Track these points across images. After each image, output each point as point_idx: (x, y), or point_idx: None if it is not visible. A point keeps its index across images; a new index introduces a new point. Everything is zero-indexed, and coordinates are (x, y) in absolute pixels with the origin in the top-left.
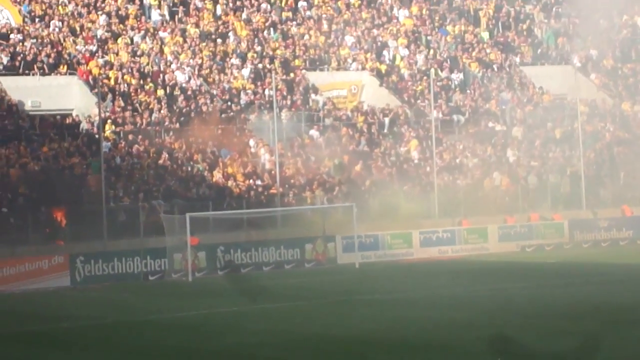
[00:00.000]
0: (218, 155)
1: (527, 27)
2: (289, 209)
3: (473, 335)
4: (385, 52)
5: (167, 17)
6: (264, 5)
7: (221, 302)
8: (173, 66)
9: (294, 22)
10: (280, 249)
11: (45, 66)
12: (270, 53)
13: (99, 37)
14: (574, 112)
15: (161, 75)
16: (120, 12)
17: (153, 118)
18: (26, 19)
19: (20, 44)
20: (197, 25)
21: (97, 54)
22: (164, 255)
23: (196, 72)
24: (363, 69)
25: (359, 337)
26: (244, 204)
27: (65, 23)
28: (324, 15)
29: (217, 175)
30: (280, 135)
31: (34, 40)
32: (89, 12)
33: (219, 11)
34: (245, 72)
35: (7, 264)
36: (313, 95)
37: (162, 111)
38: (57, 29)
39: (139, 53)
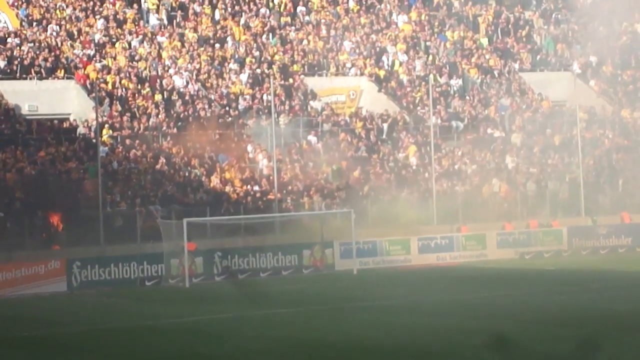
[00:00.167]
0: (216, 161)
1: (526, 33)
2: (287, 214)
3: (471, 342)
4: (384, 58)
5: (165, 22)
6: (262, 10)
7: (218, 308)
8: (171, 71)
9: (293, 27)
10: (277, 254)
11: (42, 70)
12: (269, 58)
13: (96, 41)
14: (573, 118)
15: (159, 80)
16: (118, 17)
17: (150, 123)
18: (24, 23)
19: (18, 47)
20: (195, 30)
21: (94, 59)
22: (161, 260)
23: (194, 76)
24: (362, 74)
25: (357, 344)
26: (242, 210)
27: (63, 27)
28: (322, 21)
29: (215, 181)
30: (279, 140)
31: (32, 44)
32: (86, 17)
33: (217, 16)
34: (244, 77)
35: (4, 269)
36: (312, 102)
37: (159, 116)
38: (54, 33)
39: (136, 57)
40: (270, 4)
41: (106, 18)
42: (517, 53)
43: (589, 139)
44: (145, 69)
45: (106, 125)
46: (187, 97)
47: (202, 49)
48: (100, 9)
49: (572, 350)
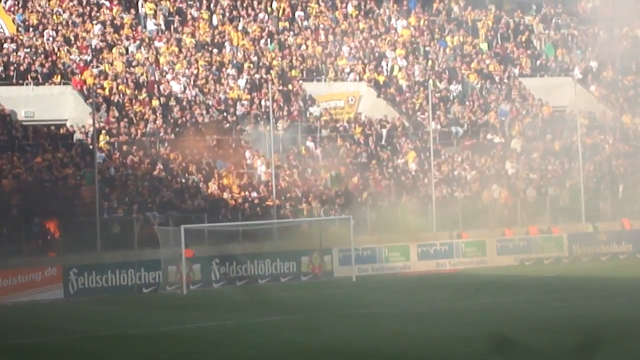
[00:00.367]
0: (213, 167)
1: (526, 38)
2: (285, 221)
3: (471, 349)
4: (383, 63)
5: (163, 27)
6: (260, 15)
7: (216, 315)
8: (168, 76)
9: (291, 32)
10: (276, 261)
11: (39, 76)
12: (267, 63)
13: (93, 46)
14: (573, 124)
15: (156, 86)
16: (115, 22)
17: (148, 129)
18: (20, 28)
19: (14, 53)
20: (192, 35)
21: (91, 64)
22: (158, 267)
23: (192, 82)
24: (360, 79)
25: (356, 351)
26: (240, 216)
27: (60, 32)
28: (321, 26)
29: (213, 187)
30: (277, 146)
31: (28, 50)
32: (83, 22)
33: (215, 21)
34: (242, 82)
35: (0, 276)
36: (310, 108)
37: (157, 122)
38: (51, 39)
39: (134, 63)
40: (269, 9)
41: (103, 23)
42: (517, 58)
43: (590, 144)
44: (142, 74)
45: (103, 131)
46: (184, 103)
47: (199, 54)
48: (97, 14)
49: (572, 352)
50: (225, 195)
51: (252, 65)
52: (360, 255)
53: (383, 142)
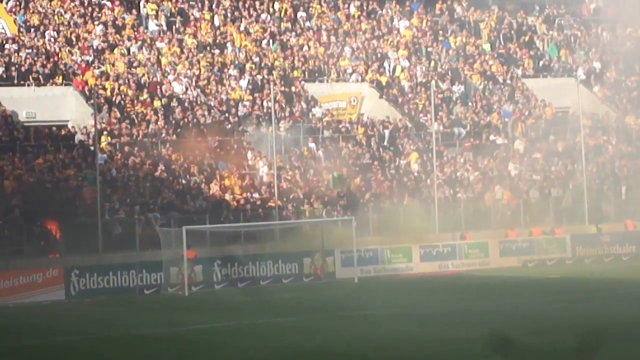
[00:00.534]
0: (215, 168)
1: (529, 39)
2: (287, 222)
3: (473, 351)
4: (385, 64)
5: (165, 28)
6: (262, 16)
7: (217, 317)
8: (170, 77)
9: (293, 33)
10: (278, 263)
11: (40, 76)
12: (269, 64)
13: (95, 47)
14: (576, 125)
15: (158, 86)
16: (117, 22)
17: (149, 129)
18: (21, 29)
19: (15, 54)
20: (194, 35)
21: (93, 65)
22: (160, 269)
23: (193, 83)
24: (363, 80)
25: (358, 353)
26: (242, 217)
27: (61, 33)
28: (323, 26)
29: (215, 188)
30: (279, 147)
31: (29, 51)
32: (85, 22)
33: (217, 21)
34: (244, 83)
35: (1, 277)
36: (312, 109)
37: (158, 122)
38: (52, 39)
39: (135, 64)
40: (271, 10)
41: (105, 24)
42: (520, 59)
43: (593, 145)
44: (144, 75)
45: (105, 132)
46: (186, 104)
47: (201, 54)
48: (99, 15)
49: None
50: (227, 196)
51: (254, 66)
52: (363, 256)
53: (385, 143)
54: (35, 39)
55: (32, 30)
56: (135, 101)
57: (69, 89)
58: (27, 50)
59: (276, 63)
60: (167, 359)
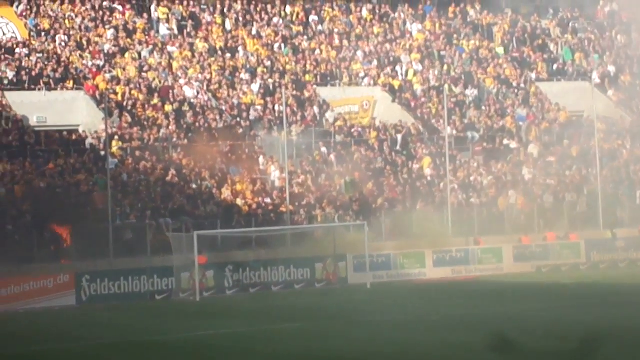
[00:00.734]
0: (227, 172)
1: (543, 42)
2: (299, 227)
3: (487, 358)
4: (398, 68)
5: (176, 32)
6: (274, 20)
7: (230, 323)
8: (181, 81)
9: (305, 37)
10: (290, 268)
11: (51, 81)
12: (281, 68)
13: (106, 51)
14: (591, 129)
15: (169, 91)
16: (128, 27)
17: (161, 134)
18: (32, 33)
19: (26, 58)
20: (206, 39)
21: (104, 69)
22: (171, 274)
23: (205, 87)
24: (375, 84)
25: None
26: (253, 222)
27: (72, 37)
28: (335, 30)
29: (226, 193)
30: (290, 152)
31: (40, 55)
32: (96, 27)
33: (228, 25)
34: (255, 87)
35: (12, 283)
36: (325, 113)
37: (170, 127)
38: (63, 44)
39: (146, 68)
40: (283, 13)
41: (116, 28)
42: (533, 63)
43: (607, 150)
44: (155, 79)
45: (116, 137)
46: (197, 108)
47: (212, 59)
48: (110, 19)
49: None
50: (239, 201)
51: (265, 70)
52: (375, 262)
53: (398, 148)
54: (46, 44)
55: (43, 34)
56: (147, 105)
57: (80, 94)
58: (38, 55)
59: (288, 67)
60: None
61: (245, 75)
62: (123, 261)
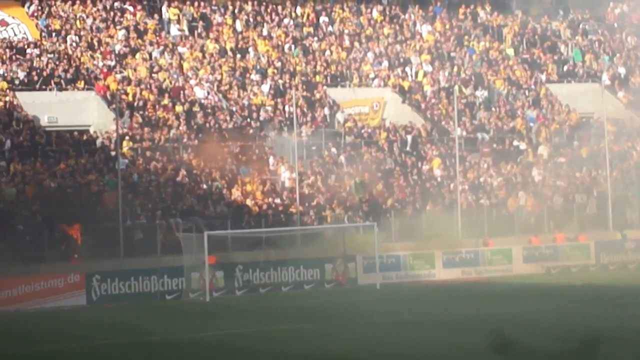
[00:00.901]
0: (237, 173)
1: (553, 44)
2: (309, 228)
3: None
4: (408, 69)
5: (187, 32)
6: (285, 21)
7: (239, 323)
8: (192, 82)
9: (315, 38)
10: (299, 268)
11: (62, 81)
12: (291, 69)
13: (117, 52)
14: (600, 131)
15: (180, 91)
16: (139, 27)
17: (171, 134)
18: (43, 34)
19: (37, 58)
20: (216, 40)
21: (115, 69)
22: (181, 274)
23: (215, 88)
24: (385, 85)
25: None
26: (263, 223)
27: (83, 38)
28: (345, 31)
29: (236, 193)
30: (300, 152)
31: (51, 55)
32: (107, 27)
33: (238, 26)
34: (265, 88)
35: (23, 282)
36: (335, 114)
37: (180, 127)
38: (74, 44)
39: (157, 69)
40: (293, 15)
41: (127, 29)
42: (543, 64)
43: (617, 151)
44: (166, 80)
45: (126, 137)
46: (208, 109)
47: (223, 59)
48: (121, 20)
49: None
50: (249, 201)
51: (276, 71)
52: (385, 262)
53: (408, 149)
54: (57, 44)
55: (54, 35)
56: (157, 106)
57: (90, 94)
58: (49, 55)
59: (298, 68)
60: None
61: (255, 76)
62: (133, 261)
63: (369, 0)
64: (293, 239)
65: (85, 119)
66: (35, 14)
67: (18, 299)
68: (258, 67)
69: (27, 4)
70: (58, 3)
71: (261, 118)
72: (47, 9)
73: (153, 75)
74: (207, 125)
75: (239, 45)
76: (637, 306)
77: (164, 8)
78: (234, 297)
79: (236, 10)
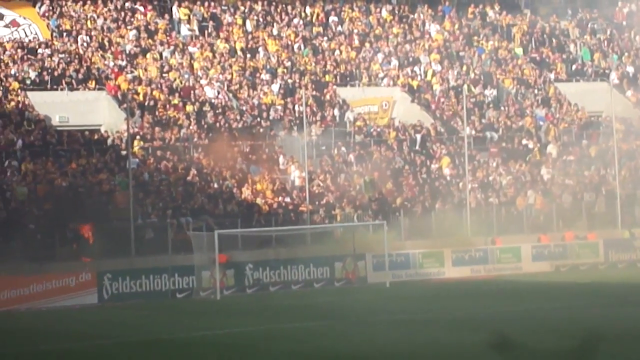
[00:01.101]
0: (247, 172)
1: (562, 43)
2: (319, 226)
3: (505, 357)
4: (417, 68)
5: (197, 32)
6: (295, 21)
7: (250, 321)
8: (202, 82)
9: (325, 38)
10: (309, 267)
11: (73, 81)
12: (301, 68)
13: (127, 52)
14: (609, 130)
15: (190, 91)
16: (149, 27)
17: (182, 134)
18: (54, 34)
19: (49, 58)
20: (226, 40)
21: (125, 69)
22: (192, 272)
23: (225, 87)
24: (394, 84)
25: (390, 358)
26: (273, 222)
27: (94, 38)
28: (355, 31)
29: (246, 192)
30: (310, 151)
31: (62, 55)
32: (118, 27)
33: (249, 26)
34: (275, 87)
35: (34, 281)
36: (344, 113)
37: (190, 127)
38: (85, 44)
39: (167, 68)
40: (302, 14)
41: (137, 29)
42: (552, 63)
43: (626, 150)
44: (176, 79)
45: (137, 137)
46: (218, 108)
47: (233, 59)
48: (132, 20)
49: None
50: (259, 200)
51: (285, 71)
52: (394, 261)
53: (417, 148)
54: (68, 44)
55: (65, 35)
56: (168, 106)
57: (101, 94)
58: (60, 55)
59: (308, 67)
60: None
61: (265, 76)
62: (144, 260)
63: (378, 0)
64: (303, 238)
65: (97, 119)
66: (47, 14)
67: (29, 297)
68: (268, 66)
69: (38, 5)
70: (69, 3)
71: (271, 117)
72: (58, 9)
73: (164, 75)
74: (218, 124)
75: (249, 45)
76: None
77: (174, 8)
78: (244, 296)
79: (246, 10)
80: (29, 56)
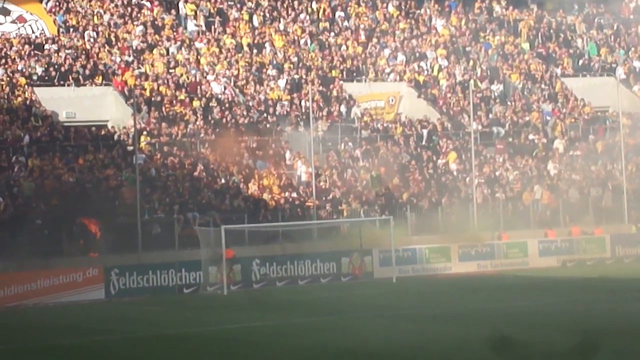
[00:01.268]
0: (253, 167)
1: (568, 38)
2: (325, 222)
3: (512, 352)
4: (423, 63)
5: (203, 28)
6: (301, 16)
7: (257, 316)
8: (209, 77)
9: (332, 33)
10: (316, 262)
11: (80, 77)
12: (307, 64)
13: (134, 47)
14: (616, 124)
15: (197, 87)
16: (156, 23)
17: (188, 129)
18: (61, 29)
19: (55, 54)
20: (233, 35)
21: (132, 65)
22: (199, 268)
23: (232, 83)
24: (401, 80)
25: (396, 353)
26: (280, 217)
27: (101, 33)
28: (361, 26)
29: (253, 188)
30: (317, 147)
31: (69, 51)
32: (124, 23)
33: (255, 22)
34: (282, 83)
35: (41, 276)
36: (355, 109)
37: (197, 122)
38: (92, 40)
39: (174, 64)
40: (309, 10)
41: (144, 24)
42: (559, 58)
43: (632, 145)
44: (183, 75)
45: (144, 132)
46: (225, 104)
47: (240, 55)
48: (138, 15)
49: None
50: (266, 195)
51: (292, 66)
52: (401, 256)
53: (423, 143)
54: (75, 40)
55: (72, 30)
56: (174, 101)
57: (108, 89)
58: (66, 51)
59: (314, 63)
60: (206, 359)
61: (272, 71)
62: (151, 255)
63: None
64: (309, 233)
65: (103, 114)
66: (53, 10)
67: (37, 293)
68: (274, 62)
69: (45, 0)
70: None
71: (277, 113)
72: (64, 4)
73: (170, 70)
74: (224, 120)
75: (256, 41)
76: None
77: (180, 4)
78: (251, 291)
79: (253, 6)
80: (35, 52)
